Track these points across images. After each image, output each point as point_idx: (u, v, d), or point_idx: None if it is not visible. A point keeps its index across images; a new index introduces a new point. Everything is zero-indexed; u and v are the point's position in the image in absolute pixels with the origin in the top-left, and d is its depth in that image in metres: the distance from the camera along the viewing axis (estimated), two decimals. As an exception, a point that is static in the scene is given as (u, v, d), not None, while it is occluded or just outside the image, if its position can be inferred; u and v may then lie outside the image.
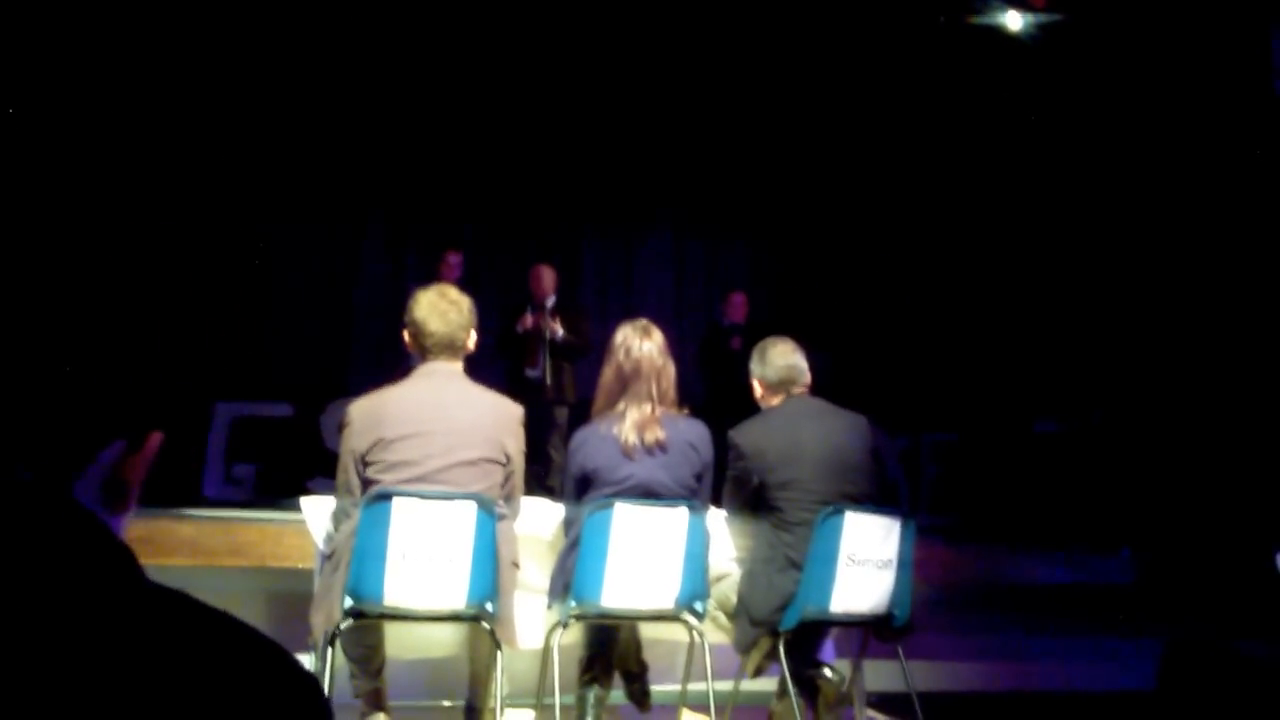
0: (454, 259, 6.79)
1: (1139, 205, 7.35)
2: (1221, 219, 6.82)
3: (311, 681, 0.72)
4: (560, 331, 6.60)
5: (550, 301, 6.74)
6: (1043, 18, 7.15)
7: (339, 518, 3.19)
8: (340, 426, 3.21)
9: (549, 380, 6.59)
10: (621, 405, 3.42)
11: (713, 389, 6.94)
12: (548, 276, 6.76)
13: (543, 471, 6.33)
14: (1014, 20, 7.24)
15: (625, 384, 3.43)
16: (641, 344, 3.45)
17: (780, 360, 3.65)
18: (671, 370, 3.49)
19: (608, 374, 3.48)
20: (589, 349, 6.38)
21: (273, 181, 7.80)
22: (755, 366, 3.71)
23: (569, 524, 3.46)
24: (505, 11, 7.77)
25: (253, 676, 0.69)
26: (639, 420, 3.38)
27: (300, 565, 4.16)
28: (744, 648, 3.49)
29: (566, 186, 8.56)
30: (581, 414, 3.97)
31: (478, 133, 8.27)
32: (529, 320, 6.61)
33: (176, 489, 6.64)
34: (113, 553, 0.70)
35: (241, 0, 7.28)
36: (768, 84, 8.28)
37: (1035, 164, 7.95)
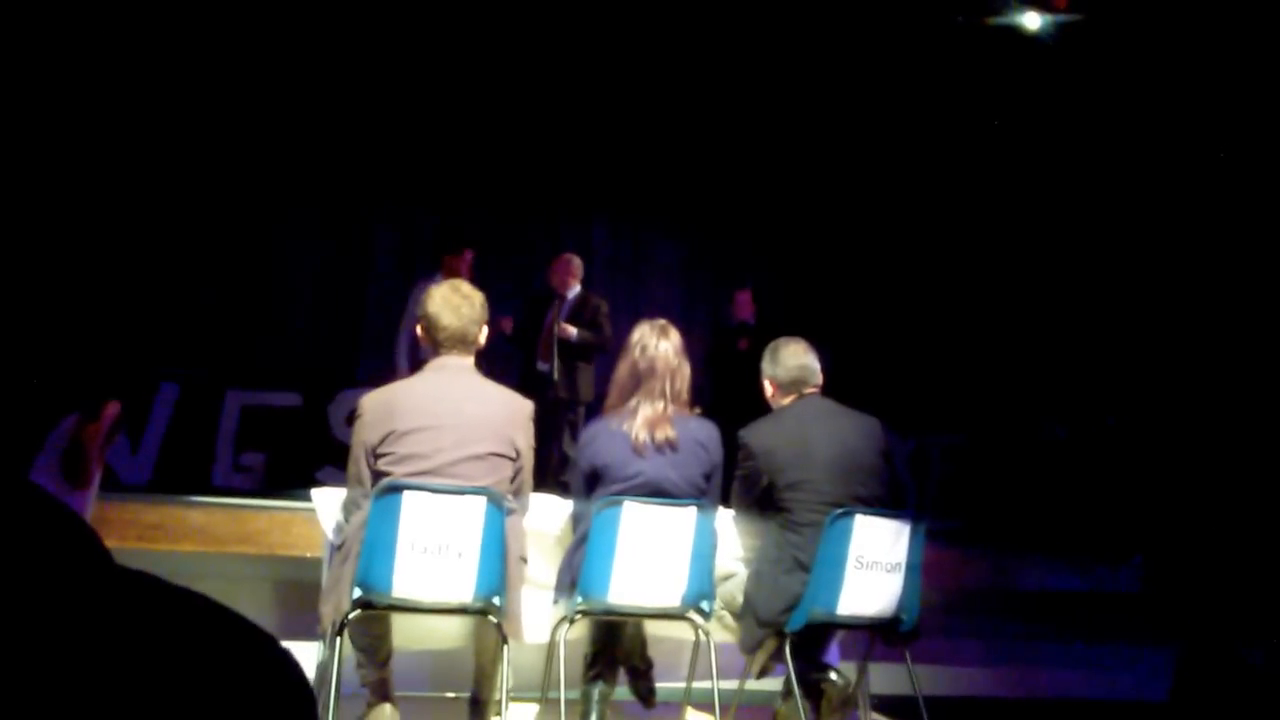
0: (466, 254, 6.73)
1: (1154, 209, 7.31)
2: (1238, 223, 6.78)
3: (289, 660, 0.71)
4: (573, 333, 6.45)
5: (573, 293, 6.61)
6: (1062, 18, 7.09)
7: (349, 509, 3.21)
8: (352, 418, 3.23)
9: (557, 376, 6.51)
10: (634, 402, 3.42)
11: (720, 389, 6.90)
12: (570, 266, 6.63)
13: (556, 466, 6.29)
14: (1032, 20, 7.17)
15: (639, 381, 3.43)
16: (658, 343, 3.45)
17: (792, 360, 3.64)
18: (687, 371, 3.50)
19: (622, 370, 3.49)
20: (607, 344, 6.23)
21: (284, 170, 7.80)
22: (767, 366, 3.69)
23: (577, 519, 3.46)
24: (518, 5, 7.75)
25: (228, 657, 0.67)
26: (650, 418, 3.38)
27: (308, 554, 4.17)
28: (749, 648, 3.48)
29: (577, 181, 8.54)
30: (598, 413, 3.96)
31: (489, 125, 8.25)
32: (552, 315, 6.48)
33: (186, 476, 6.66)
34: (76, 534, 0.68)
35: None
36: (781, 81, 8.25)
37: (1050, 165, 7.91)
